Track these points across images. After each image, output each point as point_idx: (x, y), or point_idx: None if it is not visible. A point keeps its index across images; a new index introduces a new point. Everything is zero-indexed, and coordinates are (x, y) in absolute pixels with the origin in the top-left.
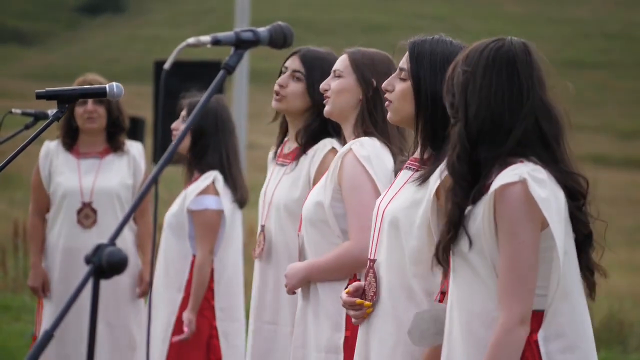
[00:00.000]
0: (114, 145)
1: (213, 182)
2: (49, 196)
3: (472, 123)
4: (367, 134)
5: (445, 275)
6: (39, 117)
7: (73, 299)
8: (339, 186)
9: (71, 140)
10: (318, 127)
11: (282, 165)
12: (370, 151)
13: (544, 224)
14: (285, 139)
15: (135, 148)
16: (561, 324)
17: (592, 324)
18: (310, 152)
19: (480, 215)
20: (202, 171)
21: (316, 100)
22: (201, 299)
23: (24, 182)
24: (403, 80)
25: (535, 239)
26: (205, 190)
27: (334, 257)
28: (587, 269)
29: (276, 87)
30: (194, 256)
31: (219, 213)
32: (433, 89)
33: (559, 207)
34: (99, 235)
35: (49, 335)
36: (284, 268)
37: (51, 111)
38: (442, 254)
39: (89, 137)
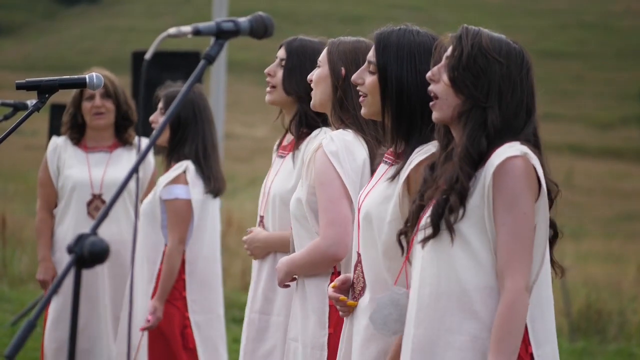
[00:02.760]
0: (122, 140)
1: (184, 172)
2: (57, 191)
3: (505, 114)
4: (345, 123)
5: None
6: (18, 107)
7: (55, 289)
8: (313, 182)
9: (78, 135)
10: (305, 115)
11: (281, 157)
12: (339, 146)
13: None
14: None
15: (144, 143)
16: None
17: (571, 314)
18: (304, 144)
19: (477, 189)
20: (177, 161)
21: (288, 87)
22: (169, 288)
23: (2, 173)
24: (372, 73)
25: (533, 211)
26: (175, 179)
27: (306, 253)
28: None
29: (267, 78)
30: (166, 246)
31: (189, 202)
32: (400, 81)
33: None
34: (110, 227)
35: (32, 325)
36: (279, 257)
37: (31, 102)
38: (437, 224)
39: (96, 133)
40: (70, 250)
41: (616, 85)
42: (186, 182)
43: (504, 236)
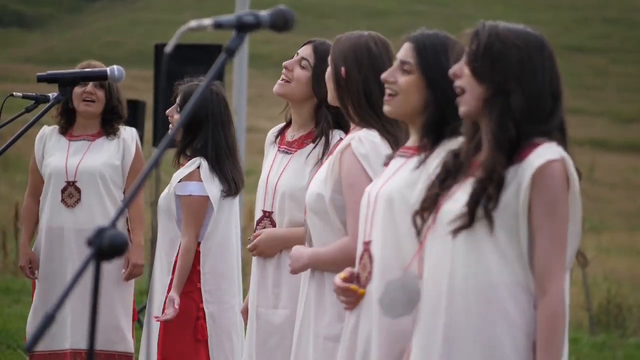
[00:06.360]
0: (108, 130)
1: (198, 168)
2: (43, 178)
3: (529, 98)
4: (361, 120)
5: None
6: (39, 100)
7: (74, 282)
8: (339, 178)
9: (67, 123)
10: (328, 119)
11: (286, 152)
12: (368, 148)
13: None
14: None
15: (127, 132)
16: None
17: (591, 308)
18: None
19: (511, 185)
20: (187, 157)
21: (318, 92)
22: (184, 281)
23: (25, 165)
24: (407, 72)
25: (568, 215)
26: (189, 176)
27: (333, 250)
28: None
29: (284, 70)
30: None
31: (204, 199)
32: (440, 80)
33: None
34: (82, 214)
35: (50, 317)
36: (285, 253)
37: (52, 95)
38: (474, 214)
39: (84, 121)
40: (89, 243)
41: (639, 80)
42: (200, 179)
43: (544, 240)
